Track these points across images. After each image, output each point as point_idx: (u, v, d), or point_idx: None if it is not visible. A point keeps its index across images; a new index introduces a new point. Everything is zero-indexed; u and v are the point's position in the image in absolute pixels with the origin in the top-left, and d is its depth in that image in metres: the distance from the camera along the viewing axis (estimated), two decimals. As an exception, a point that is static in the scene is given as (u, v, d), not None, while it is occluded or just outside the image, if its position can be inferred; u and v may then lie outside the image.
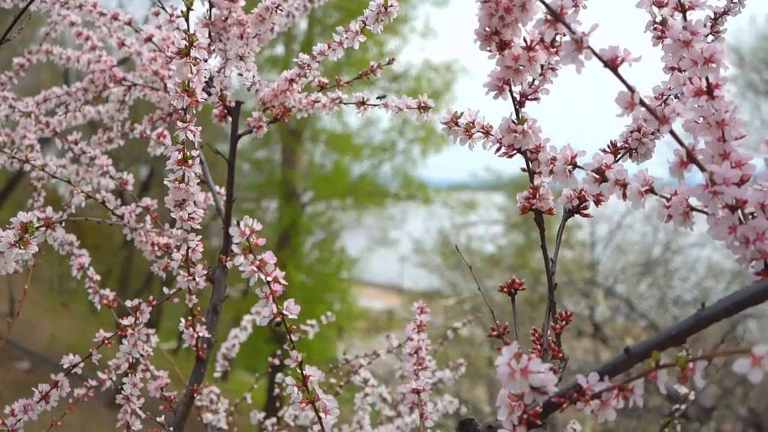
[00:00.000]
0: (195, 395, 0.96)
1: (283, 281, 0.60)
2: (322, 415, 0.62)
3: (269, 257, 0.60)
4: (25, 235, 0.65)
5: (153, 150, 1.17)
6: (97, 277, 1.07)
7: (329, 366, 1.30)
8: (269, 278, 0.59)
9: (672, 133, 0.49)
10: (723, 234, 0.50)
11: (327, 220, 11.52)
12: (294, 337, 0.64)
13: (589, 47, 0.48)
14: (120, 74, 1.17)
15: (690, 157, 0.50)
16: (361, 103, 0.91)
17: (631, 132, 0.66)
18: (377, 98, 0.88)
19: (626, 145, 0.66)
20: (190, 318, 0.93)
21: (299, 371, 0.62)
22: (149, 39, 1.04)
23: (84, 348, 1.07)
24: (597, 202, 0.65)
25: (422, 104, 0.83)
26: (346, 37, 0.84)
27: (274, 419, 1.37)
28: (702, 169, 0.49)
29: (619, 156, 0.67)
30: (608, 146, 0.67)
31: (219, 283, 0.99)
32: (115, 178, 1.07)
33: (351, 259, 11.30)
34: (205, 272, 0.89)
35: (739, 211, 0.51)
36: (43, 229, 0.64)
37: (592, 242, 7.09)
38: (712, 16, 0.69)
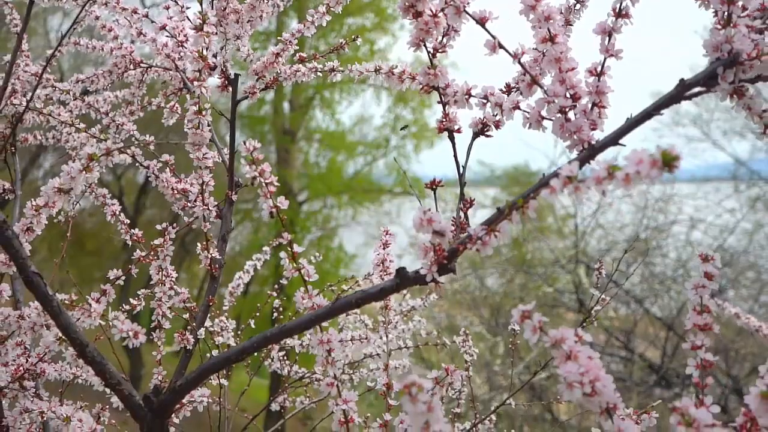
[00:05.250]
0: (210, 304, 1.23)
1: (276, 183, 0.87)
2: (307, 278, 0.89)
3: (267, 167, 0.86)
4: (91, 163, 0.91)
5: (167, 120, 1.43)
6: (127, 221, 1.33)
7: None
8: (267, 180, 0.86)
9: (521, 65, 0.76)
10: (557, 130, 0.76)
11: (324, 217, 11.79)
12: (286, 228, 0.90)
13: (465, 11, 0.75)
14: (138, 58, 1.43)
15: (534, 81, 0.76)
16: (333, 70, 1.17)
17: (520, 74, 0.93)
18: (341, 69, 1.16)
19: (517, 86, 0.93)
20: (205, 242, 1.20)
21: (290, 249, 0.89)
22: (163, 27, 1.31)
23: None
24: (496, 126, 0.91)
25: (377, 68, 1.09)
26: (317, 17, 1.11)
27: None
28: (541, 87, 0.76)
29: (512, 93, 0.93)
30: (504, 86, 0.93)
31: (226, 217, 1.25)
32: (139, 140, 1.33)
33: (349, 255, 11.53)
34: (216, 203, 1.15)
35: (573, 115, 0.78)
36: (104, 157, 0.91)
37: (575, 224, 7.37)
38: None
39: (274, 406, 1.69)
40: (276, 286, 1.69)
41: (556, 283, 6.73)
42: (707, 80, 0.69)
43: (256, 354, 1.65)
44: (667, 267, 7.31)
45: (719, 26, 0.69)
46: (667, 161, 0.53)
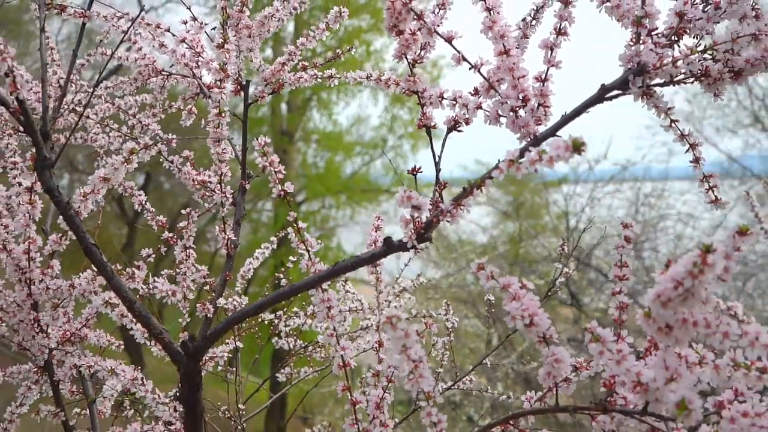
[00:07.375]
0: (227, 279, 1.42)
1: (282, 171, 1.06)
2: (310, 248, 1.08)
3: (276, 157, 1.06)
4: (131, 156, 1.11)
5: (185, 121, 1.63)
6: (153, 210, 1.53)
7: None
8: (276, 169, 1.05)
9: (480, 73, 0.95)
10: (510, 125, 0.96)
11: (322, 218, 11.97)
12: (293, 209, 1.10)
13: (435, 31, 0.95)
14: (159, 67, 1.62)
15: (491, 86, 0.96)
16: (331, 77, 1.37)
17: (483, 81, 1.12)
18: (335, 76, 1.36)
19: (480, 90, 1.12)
20: (222, 225, 1.39)
21: (295, 225, 1.09)
22: (183, 40, 1.50)
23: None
24: (467, 123, 1.11)
25: (369, 75, 1.29)
26: (318, 32, 1.31)
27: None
28: (496, 91, 0.96)
29: (479, 96, 1.12)
30: (473, 89, 1.13)
31: (240, 204, 1.45)
32: (162, 139, 1.53)
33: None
34: (232, 191, 1.35)
35: (522, 112, 0.97)
36: (143, 150, 1.10)
37: (566, 220, 7.57)
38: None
39: (281, 377, 1.88)
40: (282, 269, 1.88)
41: (548, 276, 6.93)
42: (621, 85, 0.89)
43: (265, 322, 1.85)
44: (659, 261, 7.51)
45: (631, 43, 0.89)
46: (576, 146, 0.73)
